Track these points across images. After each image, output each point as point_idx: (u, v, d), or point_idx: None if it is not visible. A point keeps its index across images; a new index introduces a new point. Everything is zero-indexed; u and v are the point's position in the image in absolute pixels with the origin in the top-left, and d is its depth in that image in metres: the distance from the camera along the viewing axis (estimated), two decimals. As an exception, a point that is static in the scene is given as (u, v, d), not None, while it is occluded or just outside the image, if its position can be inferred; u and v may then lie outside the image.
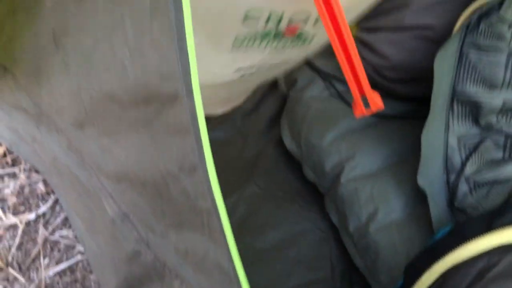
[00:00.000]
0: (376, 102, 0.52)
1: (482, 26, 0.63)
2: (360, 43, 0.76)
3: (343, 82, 0.79)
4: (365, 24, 0.75)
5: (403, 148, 0.72)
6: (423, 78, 0.68)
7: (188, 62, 0.32)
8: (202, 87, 0.33)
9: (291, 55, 0.67)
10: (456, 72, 0.65)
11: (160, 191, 0.42)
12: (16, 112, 0.69)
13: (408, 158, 0.70)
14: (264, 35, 0.55)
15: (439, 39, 0.67)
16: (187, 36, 0.31)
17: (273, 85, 0.92)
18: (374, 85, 0.77)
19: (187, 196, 0.38)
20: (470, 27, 0.63)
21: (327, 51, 0.84)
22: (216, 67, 0.59)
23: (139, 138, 0.42)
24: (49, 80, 0.53)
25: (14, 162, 0.90)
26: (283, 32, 0.56)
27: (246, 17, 0.51)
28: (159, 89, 0.35)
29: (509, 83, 0.61)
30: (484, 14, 0.62)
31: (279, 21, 0.54)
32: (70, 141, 0.57)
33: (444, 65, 0.64)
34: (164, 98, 0.35)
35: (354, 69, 0.50)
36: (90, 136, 0.51)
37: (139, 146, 0.43)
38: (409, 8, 0.70)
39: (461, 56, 0.64)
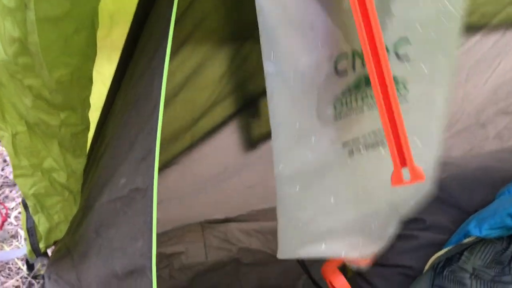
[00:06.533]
0: (419, 174, 0.49)
1: (446, 272, 0.73)
2: (357, 274, 0.88)
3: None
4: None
5: None
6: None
7: (151, 248, 0.49)
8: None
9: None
10: (429, 310, 0.73)
11: None
12: (67, 288, 0.87)
13: None
14: (357, 86, 0.53)
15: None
16: (153, 233, 0.49)
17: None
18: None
19: None
20: (437, 271, 0.74)
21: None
22: (322, 143, 0.55)
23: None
24: (89, 260, 0.72)
25: None
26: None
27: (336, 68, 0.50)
28: (138, 263, 0.52)
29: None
30: (446, 262, 0.73)
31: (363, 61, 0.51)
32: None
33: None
34: (139, 270, 0.51)
35: (398, 138, 0.48)
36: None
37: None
38: (393, 250, 0.83)
39: (432, 295, 0.74)
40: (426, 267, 0.75)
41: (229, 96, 0.82)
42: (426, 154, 0.60)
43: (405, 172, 0.49)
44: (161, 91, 0.49)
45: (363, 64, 0.52)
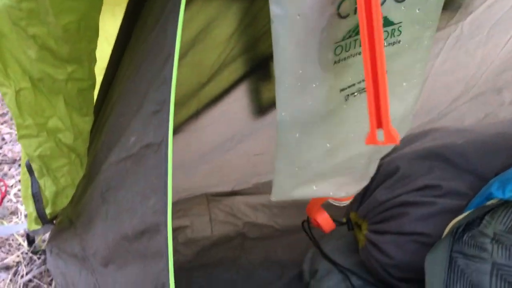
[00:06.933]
0: (393, 137, 0.49)
1: (465, 237, 0.70)
2: (370, 243, 0.85)
3: (359, 276, 0.87)
4: (374, 227, 0.85)
5: None
6: (423, 280, 0.74)
7: (166, 203, 0.46)
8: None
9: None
10: (447, 275, 0.71)
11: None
12: (70, 259, 0.84)
13: None
14: (356, 30, 0.53)
15: (435, 245, 0.74)
16: (168, 187, 0.46)
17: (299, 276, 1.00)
18: (382, 281, 0.84)
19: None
20: (456, 237, 0.71)
21: (346, 248, 0.94)
22: (322, 90, 0.55)
23: (137, 266, 0.54)
24: (94, 227, 0.69)
25: None
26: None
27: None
28: (150, 221, 0.49)
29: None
30: (466, 227, 0.70)
31: None
32: (96, 279, 0.69)
33: (436, 267, 0.71)
34: (151, 228, 0.48)
35: (378, 99, 0.48)
36: (110, 272, 0.63)
37: (135, 274, 0.54)
38: (408, 217, 0.80)
39: (451, 261, 0.71)
40: (445, 232, 0.72)
41: (238, 57, 0.79)
42: (409, 94, 0.63)
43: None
44: (175, 39, 0.45)
45: None
